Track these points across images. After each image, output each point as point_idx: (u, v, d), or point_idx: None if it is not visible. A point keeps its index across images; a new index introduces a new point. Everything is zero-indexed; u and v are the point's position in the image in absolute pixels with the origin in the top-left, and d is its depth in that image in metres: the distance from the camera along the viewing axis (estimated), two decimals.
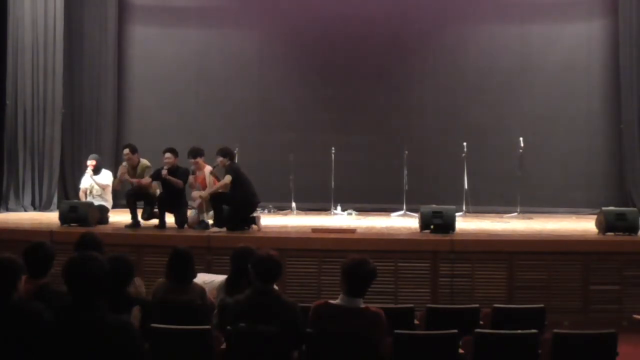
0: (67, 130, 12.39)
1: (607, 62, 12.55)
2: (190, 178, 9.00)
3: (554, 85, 12.61)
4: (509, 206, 11.61)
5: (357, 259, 4.23)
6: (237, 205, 8.59)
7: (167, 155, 8.75)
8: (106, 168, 10.65)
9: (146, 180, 8.97)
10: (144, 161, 9.39)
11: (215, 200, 8.68)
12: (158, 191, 9.25)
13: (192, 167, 9.10)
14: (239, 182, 8.57)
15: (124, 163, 9.35)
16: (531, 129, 12.19)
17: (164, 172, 8.62)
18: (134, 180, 9.10)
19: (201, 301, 5.07)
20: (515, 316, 5.43)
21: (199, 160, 9.13)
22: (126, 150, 9.31)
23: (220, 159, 8.71)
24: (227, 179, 8.50)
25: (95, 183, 9.90)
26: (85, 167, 10.10)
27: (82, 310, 3.20)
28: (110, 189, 10.06)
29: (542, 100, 12.59)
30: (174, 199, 8.76)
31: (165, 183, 8.78)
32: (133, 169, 9.31)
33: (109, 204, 9.96)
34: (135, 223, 8.79)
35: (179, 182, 8.72)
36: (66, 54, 12.18)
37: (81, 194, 10.11)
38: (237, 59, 13.03)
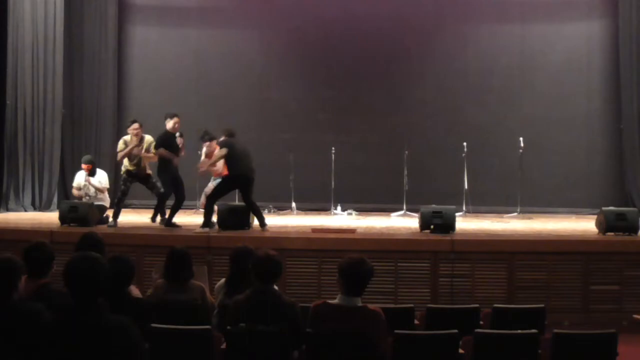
0: (67, 130, 12.38)
1: (607, 62, 12.56)
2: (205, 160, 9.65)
3: (554, 85, 12.61)
4: (509, 206, 11.61)
5: (354, 259, 4.23)
6: (232, 181, 8.80)
7: (135, 125, 9.13)
8: (106, 168, 10.66)
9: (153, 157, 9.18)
10: (148, 136, 9.38)
11: (212, 199, 8.70)
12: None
13: (205, 150, 9.94)
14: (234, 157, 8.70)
15: (130, 137, 9.27)
16: (531, 129, 12.19)
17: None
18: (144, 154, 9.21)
19: (201, 301, 5.08)
20: (515, 316, 5.42)
21: (213, 143, 9.65)
22: (136, 125, 9.28)
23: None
24: (222, 151, 8.65)
25: (92, 186, 9.92)
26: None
27: (82, 310, 3.20)
28: (106, 189, 10.09)
29: (542, 100, 12.59)
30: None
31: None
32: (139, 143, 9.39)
33: (106, 202, 9.96)
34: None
35: (171, 154, 8.98)
36: (66, 54, 12.18)
37: (75, 191, 10.06)
38: (237, 59, 13.02)
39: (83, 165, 10.03)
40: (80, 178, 10.10)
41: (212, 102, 12.89)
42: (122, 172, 9.34)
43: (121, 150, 9.18)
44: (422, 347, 4.44)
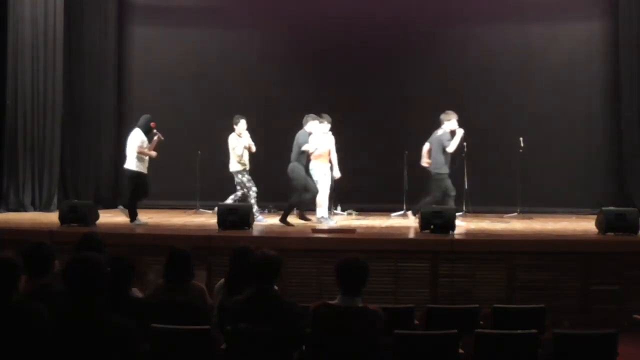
0: (67, 130, 12.37)
1: (607, 62, 12.54)
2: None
3: (555, 85, 12.60)
4: (509, 206, 11.60)
5: (349, 258, 4.24)
6: None
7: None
8: (107, 167, 10.61)
9: None
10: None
11: None
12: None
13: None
14: None
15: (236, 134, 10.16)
16: (531, 129, 12.17)
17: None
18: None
19: (201, 301, 5.07)
20: (515, 316, 5.42)
21: None
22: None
23: None
24: None
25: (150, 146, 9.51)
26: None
27: (82, 310, 3.20)
28: None
29: (543, 100, 12.58)
30: None
31: None
32: None
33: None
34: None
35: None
36: (66, 54, 12.17)
37: (140, 150, 9.38)
38: (237, 59, 13.02)
39: (152, 124, 9.54)
40: (142, 136, 9.46)
41: (212, 101, 12.88)
42: (239, 171, 10.07)
43: (238, 146, 10.02)
44: (422, 347, 4.45)
